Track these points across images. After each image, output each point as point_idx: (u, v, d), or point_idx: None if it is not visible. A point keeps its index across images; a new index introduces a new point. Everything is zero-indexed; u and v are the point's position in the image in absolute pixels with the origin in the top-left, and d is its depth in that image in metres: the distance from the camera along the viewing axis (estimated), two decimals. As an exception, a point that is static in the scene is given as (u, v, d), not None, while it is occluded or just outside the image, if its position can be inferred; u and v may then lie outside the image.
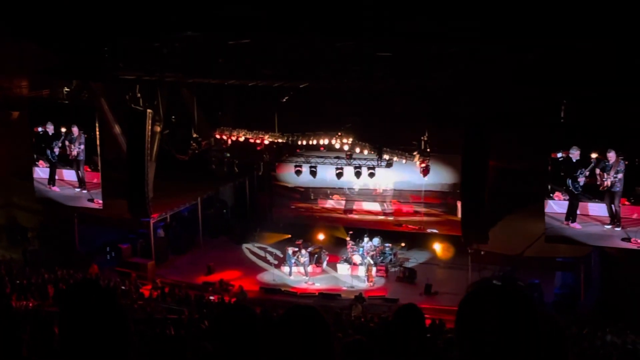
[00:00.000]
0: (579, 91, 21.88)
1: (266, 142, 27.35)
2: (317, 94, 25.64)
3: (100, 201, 27.59)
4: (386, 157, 26.67)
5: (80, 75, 27.92)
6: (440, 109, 25.07)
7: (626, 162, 21.59)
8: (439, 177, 28.22)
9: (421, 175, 26.48)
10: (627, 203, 21.83)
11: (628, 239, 21.92)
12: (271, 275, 27.62)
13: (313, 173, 28.11)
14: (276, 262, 28.35)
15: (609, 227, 22.13)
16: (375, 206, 30.22)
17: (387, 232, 29.31)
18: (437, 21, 22.89)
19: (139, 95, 26.45)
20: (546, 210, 22.79)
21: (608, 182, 21.86)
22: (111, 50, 26.65)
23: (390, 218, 30.01)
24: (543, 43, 22.02)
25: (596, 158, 21.87)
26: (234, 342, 3.82)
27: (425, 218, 29.33)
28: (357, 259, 27.51)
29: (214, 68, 25.45)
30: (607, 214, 22.15)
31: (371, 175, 27.28)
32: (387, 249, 28.28)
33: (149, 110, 26.41)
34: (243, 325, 3.86)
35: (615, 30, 21.01)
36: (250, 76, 24.96)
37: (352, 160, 27.23)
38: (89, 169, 27.48)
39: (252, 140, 27.48)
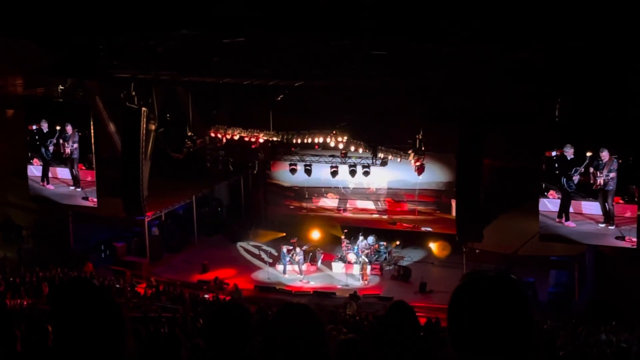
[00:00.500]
0: (573, 90, 21.91)
1: (261, 140, 27.36)
2: (312, 93, 25.66)
3: (95, 199, 27.56)
4: (381, 155, 26.71)
5: (75, 73, 27.85)
6: (435, 107, 25.13)
7: (619, 161, 21.65)
8: (434, 175, 28.27)
9: (416, 173, 26.53)
10: (620, 201, 21.89)
11: (622, 238, 21.97)
12: (266, 274, 27.62)
13: (308, 171, 28.11)
14: (271, 261, 28.38)
15: (603, 225, 22.18)
16: (369, 204, 30.27)
17: (382, 230, 29.33)
18: (432, 20, 22.89)
19: (133, 93, 26.40)
20: (540, 208, 22.84)
21: (601, 181, 21.91)
22: (106, 49, 26.59)
23: (385, 216, 30.06)
24: (537, 42, 22.05)
25: (590, 156, 21.94)
26: (228, 340, 3.83)
27: (419, 216, 29.38)
28: (351, 257, 27.53)
29: (209, 66, 25.45)
30: (601, 213, 22.21)
31: (366, 173, 27.31)
32: (381, 247, 28.30)
33: (143, 109, 26.37)
34: (238, 323, 3.87)
35: (609, 29, 21.04)
36: (245, 75, 24.95)
37: (347, 159, 27.26)
38: (83, 167, 27.44)
39: (247, 139, 27.49)
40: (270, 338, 2.92)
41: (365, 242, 28.03)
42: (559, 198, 22.59)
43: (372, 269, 27.22)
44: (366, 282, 26.73)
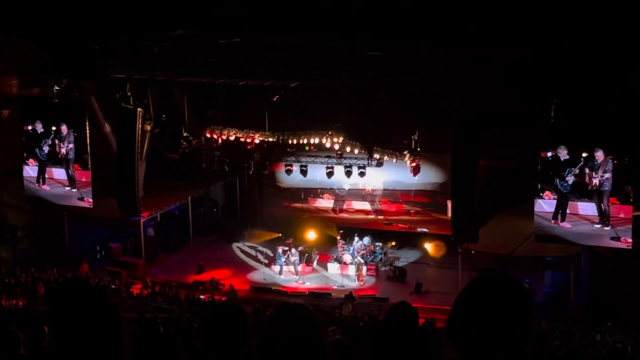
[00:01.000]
0: (568, 90, 21.93)
1: (257, 141, 27.36)
2: (307, 93, 25.66)
3: (91, 200, 27.50)
4: (377, 156, 26.72)
5: (70, 73, 27.82)
6: (431, 108, 25.13)
7: (615, 162, 21.67)
8: (429, 176, 28.30)
9: (412, 174, 26.53)
10: (616, 202, 21.91)
11: (617, 238, 21.99)
12: (261, 274, 27.61)
13: (303, 172, 28.12)
14: (266, 261, 28.35)
15: (599, 226, 22.20)
16: (365, 205, 30.28)
17: (378, 231, 29.33)
18: (427, 20, 22.91)
19: (129, 93, 26.35)
20: (536, 209, 22.84)
21: (596, 182, 21.93)
22: (101, 49, 26.56)
23: (381, 217, 30.07)
24: (533, 42, 22.07)
25: (585, 157, 21.96)
26: (225, 341, 3.83)
27: (415, 217, 29.40)
28: (347, 258, 27.52)
29: (204, 67, 25.43)
30: (596, 213, 22.23)
31: (362, 174, 27.33)
32: (377, 248, 28.31)
33: (139, 109, 26.33)
34: (234, 324, 3.88)
35: (604, 30, 21.07)
36: (241, 75, 24.95)
37: (342, 160, 27.26)
38: (79, 168, 27.39)
39: (242, 139, 27.48)
40: (267, 338, 2.92)
41: (360, 243, 28.03)
42: (554, 199, 22.61)
43: (367, 270, 27.21)
44: (362, 283, 26.72)
